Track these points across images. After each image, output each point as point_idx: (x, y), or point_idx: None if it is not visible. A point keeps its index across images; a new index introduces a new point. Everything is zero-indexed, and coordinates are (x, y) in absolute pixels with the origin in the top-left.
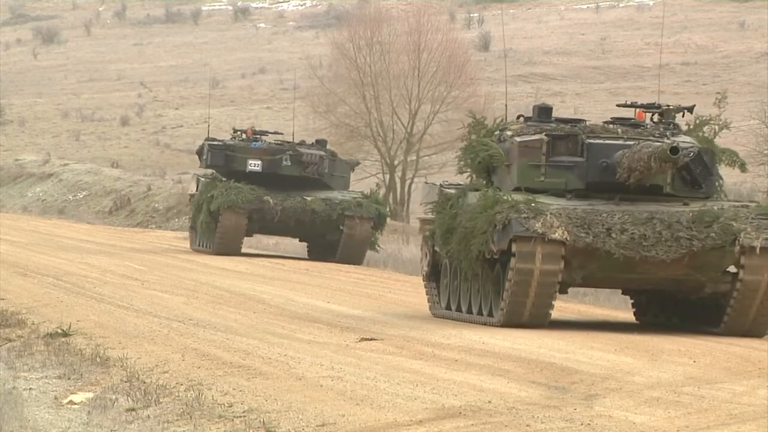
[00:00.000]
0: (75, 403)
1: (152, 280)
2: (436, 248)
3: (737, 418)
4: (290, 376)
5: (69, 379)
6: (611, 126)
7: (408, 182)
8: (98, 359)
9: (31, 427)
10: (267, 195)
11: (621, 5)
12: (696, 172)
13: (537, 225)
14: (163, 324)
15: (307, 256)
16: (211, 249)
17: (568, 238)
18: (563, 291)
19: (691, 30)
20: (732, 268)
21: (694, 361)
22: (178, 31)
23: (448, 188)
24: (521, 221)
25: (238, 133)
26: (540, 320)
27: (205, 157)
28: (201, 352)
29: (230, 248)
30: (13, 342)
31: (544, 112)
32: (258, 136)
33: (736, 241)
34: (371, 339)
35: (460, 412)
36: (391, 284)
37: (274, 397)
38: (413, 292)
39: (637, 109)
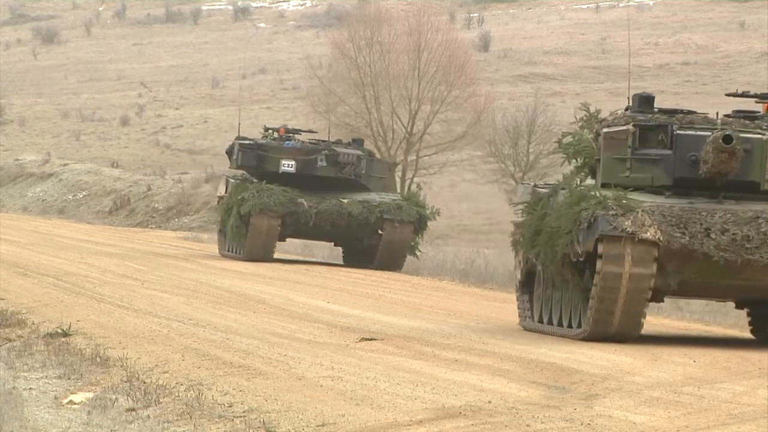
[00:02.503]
0: (75, 403)
1: (152, 280)
2: (529, 255)
3: (737, 418)
4: (290, 376)
5: (69, 379)
6: (713, 117)
7: (408, 182)
8: (98, 359)
9: (31, 427)
10: (301, 197)
11: (621, 5)
12: None
13: (626, 223)
14: (163, 324)
15: (342, 262)
16: (242, 255)
17: (662, 239)
18: (658, 299)
19: (691, 30)
20: None
21: (694, 361)
22: (178, 31)
23: (543, 188)
24: (609, 219)
25: (270, 131)
26: (630, 332)
27: (235, 157)
28: (201, 352)
29: (262, 253)
30: (13, 342)
31: (645, 101)
32: (291, 134)
33: None
34: (371, 339)
35: (460, 412)
36: (391, 284)
37: (274, 397)
38: (413, 292)
39: (761, 103)
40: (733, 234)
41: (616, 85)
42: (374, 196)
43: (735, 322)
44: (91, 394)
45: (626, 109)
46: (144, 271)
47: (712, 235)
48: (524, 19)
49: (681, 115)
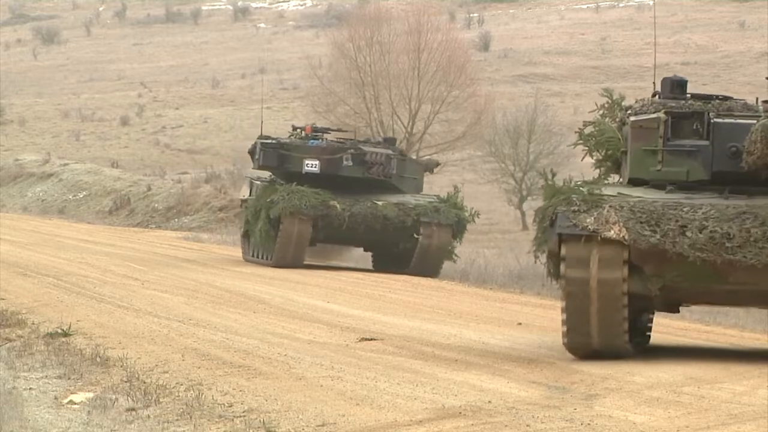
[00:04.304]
0: (75, 403)
1: (152, 280)
2: None
3: (737, 418)
4: (290, 376)
5: (69, 379)
6: (753, 104)
7: None
8: (98, 359)
9: (31, 427)
10: (333, 199)
11: (621, 5)
12: None
13: (588, 220)
14: (163, 324)
15: (371, 268)
16: (270, 260)
17: (627, 237)
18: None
19: (691, 30)
20: None
21: (694, 361)
22: (178, 31)
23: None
24: (569, 216)
25: (297, 130)
26: (614, 346)
27: (257, 157)
28: (201, 352)
29: (292, 259)
30: (13, 342)
31: (677, 86)
32: (318, 133)
33: None
34: (371, 339)
35: (460, 412)
36: (391, 284)
37: (274, 397)
38: (413, 292)
39: None
40: (712, 232)
41: (616, 85)
42: (409, 198)
43: (735, 322)
44: (91, 394)
45: (654, 95)
46: (144, 271)
47: (688, 234)
48: (524, 19)
49: (717, 101)
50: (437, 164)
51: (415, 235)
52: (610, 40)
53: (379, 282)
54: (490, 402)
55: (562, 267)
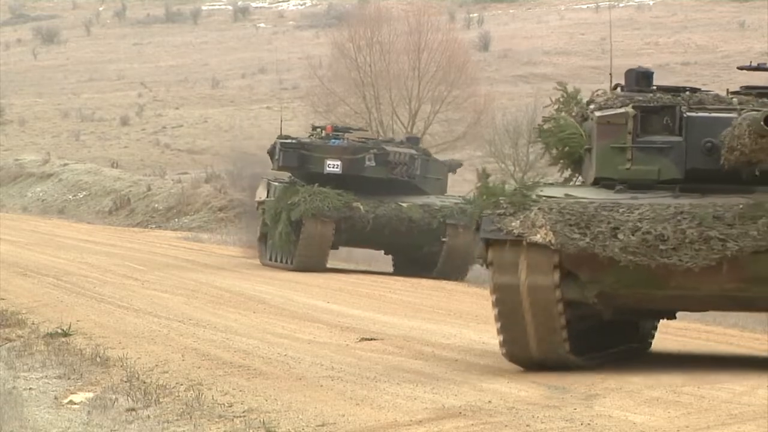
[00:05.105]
0: (75, 403)
1: (152, 280)
2: None
3: (737, 418)
4: (290, 376)
5: (69, 379)
6: (725, 96)
7: None
8: (98, 359)
9: (31, 427)
10: (357, 201)
11: (621, 5)
12: None
13: (514, 224)
14: (163, 324)
15: (392, 271)
16: (291, 264)
17: (554, 241)
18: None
19: (691, 30)
20: None
21: (694, 361)
22: (178, 31)
23: None
24: (494, 219)
25: (318, 130)
26: (554, 357)
27: (277, 157)
28: (201, 352)
29: (314, 262)
30: (13, 342)
31: (642, 78)
32: (339, 133)
33: None
34: (371, 339)
35: (460, 412)
36: (391, 284)
37: (274, 397)
38: (413, 292)
39: None
40: (645, 233)
41: None
42: (434, 200)
43: (735, 322)
44: (91, 394)
45: (615, 88)
46: (144, 271)
47: (620, 236)
48: (524, 19)
49: (687, 93)
50: (460, 164)
51: (442, 238)
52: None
53: (379, 282)
54: (490, 402)
55: (490, 272)
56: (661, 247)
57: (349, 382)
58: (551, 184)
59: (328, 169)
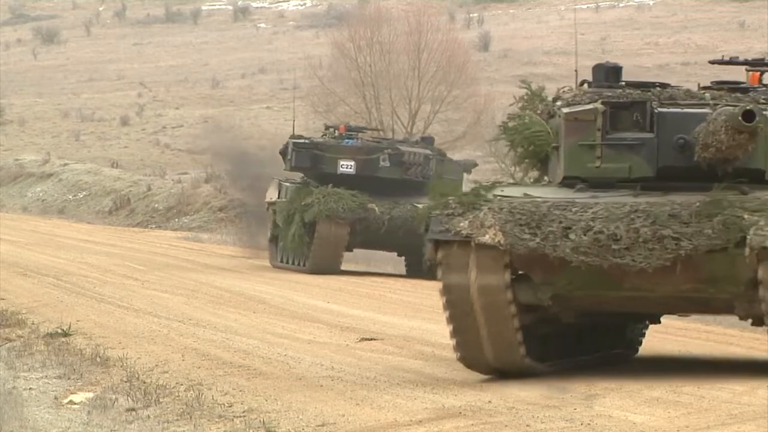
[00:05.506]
0: (75, 403)
1: (152, 280)
2: None
3: (737, 418)
4: (290, 376)
5: (69, 379)
6: (696, 91)
7: None
8: (98, 359)
9: (31, 427)
10: (372, 202)
11: (621, 5)
12: None
13: (462, 224)
14: (163, 324)
15: (405, 273)
16: (304, 266)
17: (503, 242)
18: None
19: (691, 30)
20: None
21: (694, 361)
22: (178, 31)
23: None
24: (442, 219)
25: (330, 129)
26: (510, 361)
27: (289, 157)
28: (201, 352)
29: (328, 265)
30: (13, 342)
31: (611, 73)
32: (353, 132)
33: (746, 241)
34: (371, 339)
35: (460, 412)
36: (391, 284)
37: (274, 397)
38: (413, 292)
39: (750, 72)
40: (597, 233)
41: None
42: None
43: (735, 322)
44: (91, 394)
45: (582, 84)
46: (144, 271)
47: (571, 236)
48: (524, 19)
49: (657, 89)
50: (475, 164)
51: None
52: (610, 40)
53: (379, 282)
54: (490, 402)
55: (439, 274)
56: (614, 246)
57: (349, 382)
58: (514, 184)
59: (341, 169)
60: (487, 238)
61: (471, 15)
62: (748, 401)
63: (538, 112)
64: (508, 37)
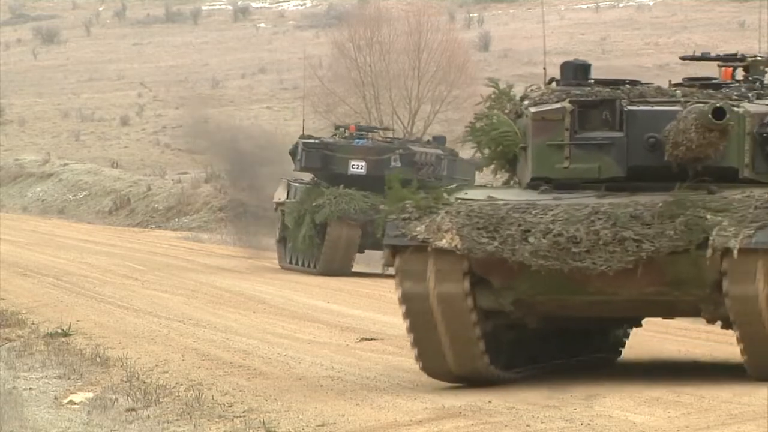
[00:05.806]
0: (75, 403)
1: (152, 280)
2: None
3: (737, 418)
4: (290, 376)
5: (69, 379)
6: (667, 88)
7: None
8: (98, 359)
9: (31, 427)
10: (384, 203)
11: (621, 5)
12: None
13: (419, 229)
14: (163, 324)
15: None
16: (314, 268)
17: (461, 246)
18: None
19: (691, 30)
20: None
21: (694, 361)
22: (178, 31)
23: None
24: (398, 224)
25: (341, 129)
26: (474, 370)
27: (299, 157)
28: (201, 352)
29: (339, 266)
30: (13, 342)
31: (579, 70)
32: (363, 132)
33: (708, 242)
34: (371, 339)
35: (460, 412)
36: (391, 284)
37: (274, 397)
38: None
39: (722, 68)
40: (556, 236)
41: None
42: None
43: None
44: (91, 394)
45: (551, 82)
46: (144, 271)
47: (531, 239)
48: (524, 19)
49: (627, 86)
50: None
51: None
52: (610, 40)
53: (379, 282)
54: (490, 402)
55: (397, 281)
56: (574, 249)
57: (349, 382)
58: (480, 186)
59: (352, 170)
60: (443, 243)
61: (471, 15)
62: (748, 401)
63: (506, 111)
64: (508, 37)
